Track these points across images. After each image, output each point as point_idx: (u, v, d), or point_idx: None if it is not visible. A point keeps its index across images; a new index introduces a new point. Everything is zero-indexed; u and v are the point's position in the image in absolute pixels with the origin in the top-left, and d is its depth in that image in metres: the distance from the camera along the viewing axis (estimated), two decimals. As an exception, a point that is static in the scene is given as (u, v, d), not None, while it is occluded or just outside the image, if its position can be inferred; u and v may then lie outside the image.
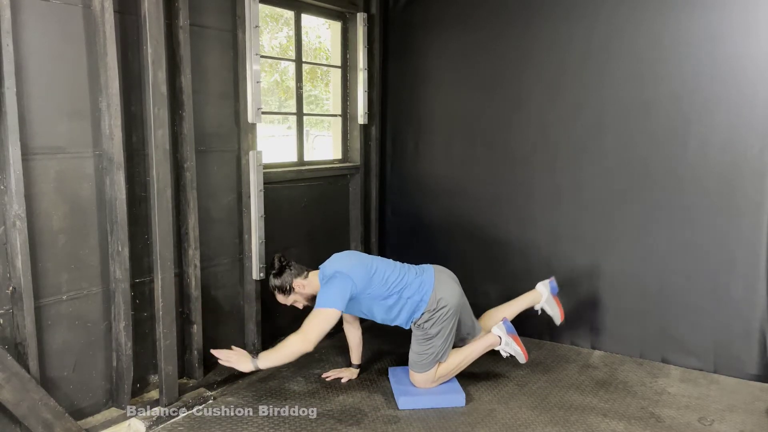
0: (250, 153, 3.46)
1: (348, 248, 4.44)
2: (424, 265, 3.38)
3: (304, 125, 4.16)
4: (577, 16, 3.78)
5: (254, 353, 3.09)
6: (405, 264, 3.39)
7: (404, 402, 3.16)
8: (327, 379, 3.43)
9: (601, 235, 3.84)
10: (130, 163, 2.89)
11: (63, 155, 2.64)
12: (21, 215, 2.44)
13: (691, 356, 3.63)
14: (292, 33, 4.19)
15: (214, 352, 3.06)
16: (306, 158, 4.14)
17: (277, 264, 3.26)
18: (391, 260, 3.38)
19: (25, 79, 2.47)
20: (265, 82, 8.29)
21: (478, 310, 3.82)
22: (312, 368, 3.61)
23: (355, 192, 4.44)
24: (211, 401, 3.19)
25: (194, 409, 3.09)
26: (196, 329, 3.24)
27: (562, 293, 3.84)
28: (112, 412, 2.90)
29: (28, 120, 2.49)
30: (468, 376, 3.45)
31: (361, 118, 4.39)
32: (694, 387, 3.40)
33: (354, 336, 3.52)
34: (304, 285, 3.24)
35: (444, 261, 3.54)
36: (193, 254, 3.19)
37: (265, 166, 3.63)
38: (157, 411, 2.99)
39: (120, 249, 2.80)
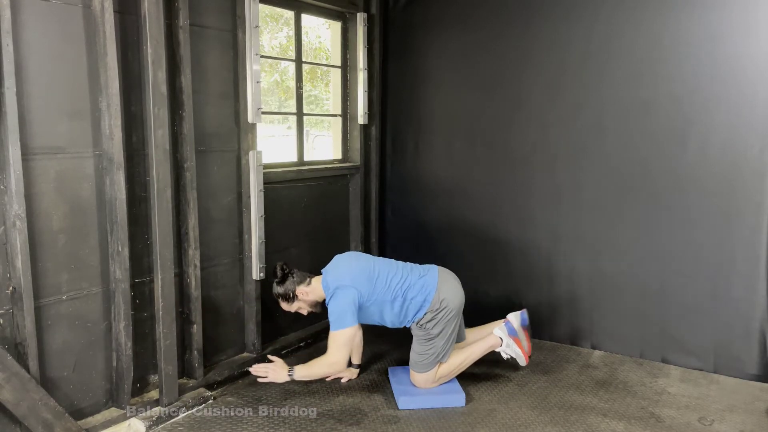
0: (250, 153, 3.46)
1: (348, 248, 4.44)
2: (428, 265, 3.38)
3: (304, 125, 4.16)
4: (577, 16, 3.78)
5: (290, 372, 3.16)
6: (408, 263, 3.39)
7: (404, 402, 3.16)
8: (327, 379, 3.42)
9: (601, 235, 3.84)
10: (130, 163, 2.89)
11: (63, 155, 2.64)
12: (21, 215, 2.44)
13: (691, 356, 3.63)
14: (292, 33, 4.19)
15: (252, 370, 3.17)
16: (306, 158, 4.14)
17: (279, 272, 3.29)
18: (393, 261, 3.38)
19: (25, 79, 2.47)
20: (265, 82, 8.29)
21: (478, 310, 3.82)
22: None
23: (355, 192, 4.44)
24: (211, 401, 3.19)
25: (194, 409, 3.10)
26: (196, 329, 3.24)
27: (563, 293, 3.84)
28: (112, 412, 2.90)
29: (28, 120, 2.49)
30: (468, 376, 3.45)
31: (361, 118, 4.39)
32: (694, 387, 3.40)
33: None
34: (307, 292, 3.28)
35: (444, 261, 3.54)
36: (193, 254, 3.19)
37: (265, 166, 3.63)
38: (157, 411, 2.99)
39: (120, 249, 2.80)
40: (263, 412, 3.09)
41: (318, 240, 4.18)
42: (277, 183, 3.77)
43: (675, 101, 3.55)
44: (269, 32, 9.07)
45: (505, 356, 3.40)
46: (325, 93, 7.64)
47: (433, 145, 4.43)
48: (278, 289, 3.31)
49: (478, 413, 3.11)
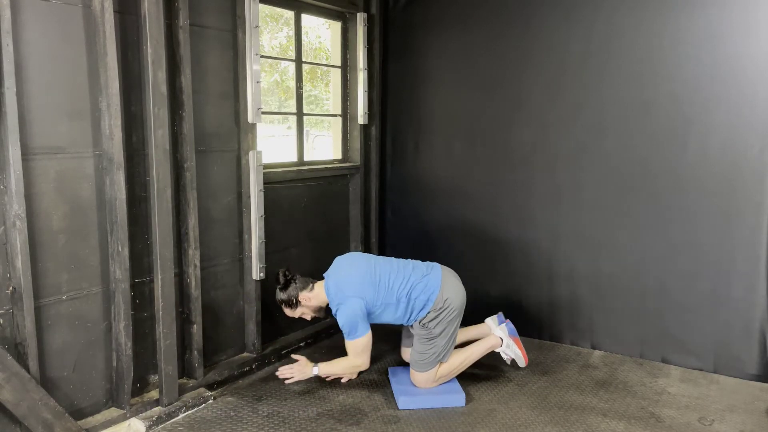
0: (250, 153, 3.46)
1: (348, 248, 4.44)
2: (430, 263, 3.39)
3: (304, 125, 4.16)
4: (577, 16, 3.78)
5: (315, 367, 3.27)
6: (410, 262, 3.39)
7: (404, 402, 3.16)
8: (327, 379, 3.42)
9: (601, 234, 3.84)
10: (130, 163, 2.89)
11: (63, 155, 2.64)
12: (21, 215, 2.44)
13: (691, 356, 3.63)
14: (292, 33, 4.19)
15: (279, 374, 3.22)
16: (306, 158, 4.14)
17: (282, 278, 3.31)
18: (394, 260, 3.37)
19: (25, 79, 2.47)
20: (265, 82, 8.29)
21: (478, 310, 3.83)
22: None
23: (355, 192, 4.44)
24: (211, 401, 3.19)
25: (194, 409, 3.10)
26: (196, 329, 3.24)
27: (563, 293, 3.84)
28: (112, 412, 2.90)
29: (28, 120, 2.49)
30: (468, 376, 3.45)
31: (361, 118, 4.39)
32: (694, 387, 3.40)
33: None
34: (310, 298, 3.30)
35: (444, 261, 3.54)
36: (193, 254, 3.19)
37: (265, 166, 3.63)
38: (157, 411, 2.99)
39: (120, 249, 2.80)
40: (263, 412, 3.09)
41: (318, 240, 4.18)
42: (277, 183, 3.77)
43: (675, 101, 3.55)
44: (269, 32, 9.07)
45: (504, 357, 3.41)
46: (325, 93, 7.64)
47: (433, 145, 4.43)
48: (281, 296, 3.33)
49: (478, 413, 3.11)
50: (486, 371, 3.58)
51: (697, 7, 3.45)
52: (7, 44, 2.34)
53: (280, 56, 9.27)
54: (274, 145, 9.10)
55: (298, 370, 3.23)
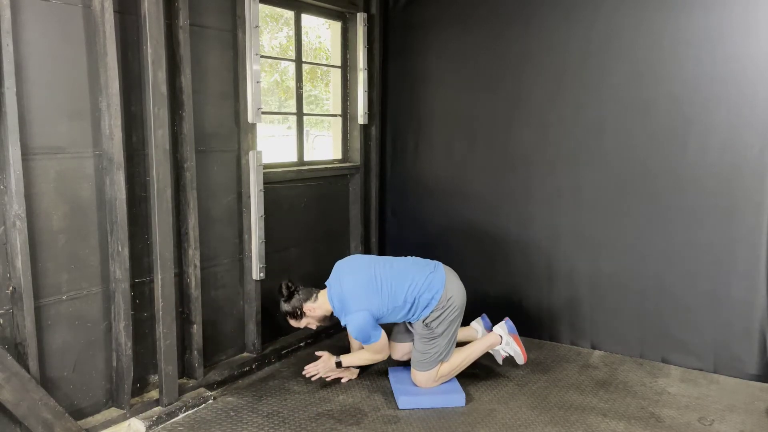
0: (250, 153, 3.46)
1: (348, 248, 4.44)
2: (432, 261, 3.39)
3: (304, 125, 4.16)
4: (576, 16, 3.78)
5: (338, 360, 3.38)
6: (412, 260, 3.39)
7: (404, 402, 3.17)
8: (327, 380, 3.42)
9: (601, 234, 3.84)
10: (130, 163, 2.89)
11: (63, 155, 2.64)
12: (21, 215, 2.44)
13: (691, 356, 3.63)
14: (292, 33, 4.19)
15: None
16: (306, 158, 4.14)
17: (285, 290, 3.32)
18: (396, 261, 3.37)
19: (25, 79, 2.47)
20: (265, 82, 8.29)
21: (478, 310, 3.83)
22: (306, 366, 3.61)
23: (355, 192, 4.44)
24: (211, 401, 3.19)
25: (194, 409, 3.10)
26: (196, 329, 3.24)
27: (563, 293, 3.84)
28: (112, 412, 2.90)
29: (28, 120, 2.49)
30: (468, 376, 3.45)
31: (361, 118, 4.39)
32: (694, 387, 3.40)
33: (355, 336, 3.53)
34: (314, 308, 3.31)
35: (444, 260, 3.54)
36: (193, 254, 3.19)
37: (265, 166, 3.63)
38: (157, 411, 2.99)
39: (120, 249, 2.80)
40: (263, 412, 3.09)
41: (318, 240, 4.18)
42: (277, 183, 3.77)
43: (675, 101, 3.55)
44: (269, 32, 9.07)
45: (504, 354, 3.41)
46: (325, 93, 7.64)
47: (433, 145, 4.43)
48: (286, 307, 3.34)
49: (478, 413, 3.11)
50: (486, 371, 3.58)
51: (697, 7, 3.45)
52: (7, 44, 2.34)
53: (280, 56, 9.27)
54: (274, 145, 9.10)
55: (323, 366, 3.31)
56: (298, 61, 4.05)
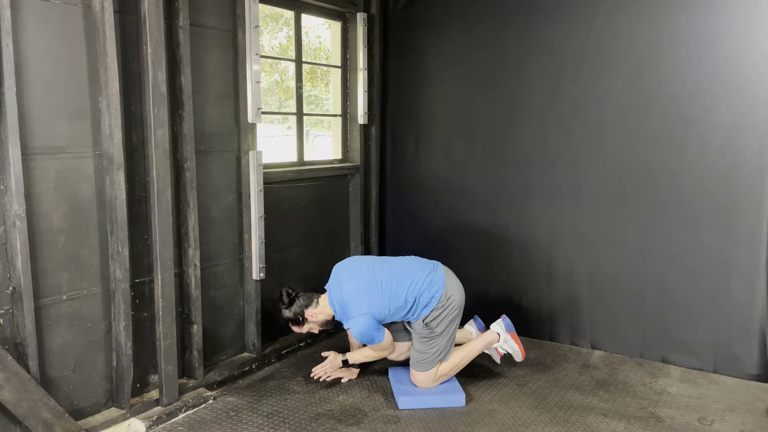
0: (250, 153, 3.46)
1: (348, 248, 4.44)
2: (432, 261, 3.39)
3: (304, 125, 4.16)
4: (576, 16, 3.78)
5: (344, 358, 3.42)
6: (411, 260, 3.39)
7: (404, 402, 3.16)
8: (327, 380, 3.42)
9: (601, 234, 3.84)
10: (130, 163, 2.89)
11: (63, 155, 2.64)
12: (21, 215, 2.44)
13: (691, 356, 3.63)
14: (292, 33, 4.19)
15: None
16: (306, 158, 4.14)
17: (285, 297, 3.32)
18: (395, 261, 3.37)
19: (25, 79, 2.47)
20: (265, 82, 8.28)
21: (478, 310, 3.83)
22: (312, 368, 3.61)
23: (355, 192, 4.44)
24: (211, 401, 3.19)
25: (194, 409, 3.10)
26: (196, 329, 3.24)
27: (562, 293, 3.83)
28: (112, 412, 2.90)
29: (28, 120, 2.49)
30: (468, 376, 3.45)
31: (361, 118, 4.39)
32: (694, 387, 3.40)
33: (355, 336, 3.53)
34: (316, 314, 3.32)
35: (444, 260, 3.54)
36: (193, 254, 3.19)
37: (265, 166, 3.64)
38: (157, 411, 2.99)
39: (120, 249, 2.80)
40: (263, 412, 3.09)
41: (318, 240, 4.18)
42: (277, 183, 3.77)
43: (675, 101, 3.55)
44: (269, 32, 9.07)
45: (501, 351, 3.42)
46: (325, 93, 7.65)
47: (433, 145, 4.43)
48: (287, 314, 3.34)
49: (478, 413, 3.11)
50: (486, 371, 3.58)
51: (697, 7, 3.45)
52: (7, 44, 2.34)
53: (280, 56, 9.27)
54: (274, 145, 9.10)
55: (330, 366, 3.35)
56: (298, 61, 4.05)
